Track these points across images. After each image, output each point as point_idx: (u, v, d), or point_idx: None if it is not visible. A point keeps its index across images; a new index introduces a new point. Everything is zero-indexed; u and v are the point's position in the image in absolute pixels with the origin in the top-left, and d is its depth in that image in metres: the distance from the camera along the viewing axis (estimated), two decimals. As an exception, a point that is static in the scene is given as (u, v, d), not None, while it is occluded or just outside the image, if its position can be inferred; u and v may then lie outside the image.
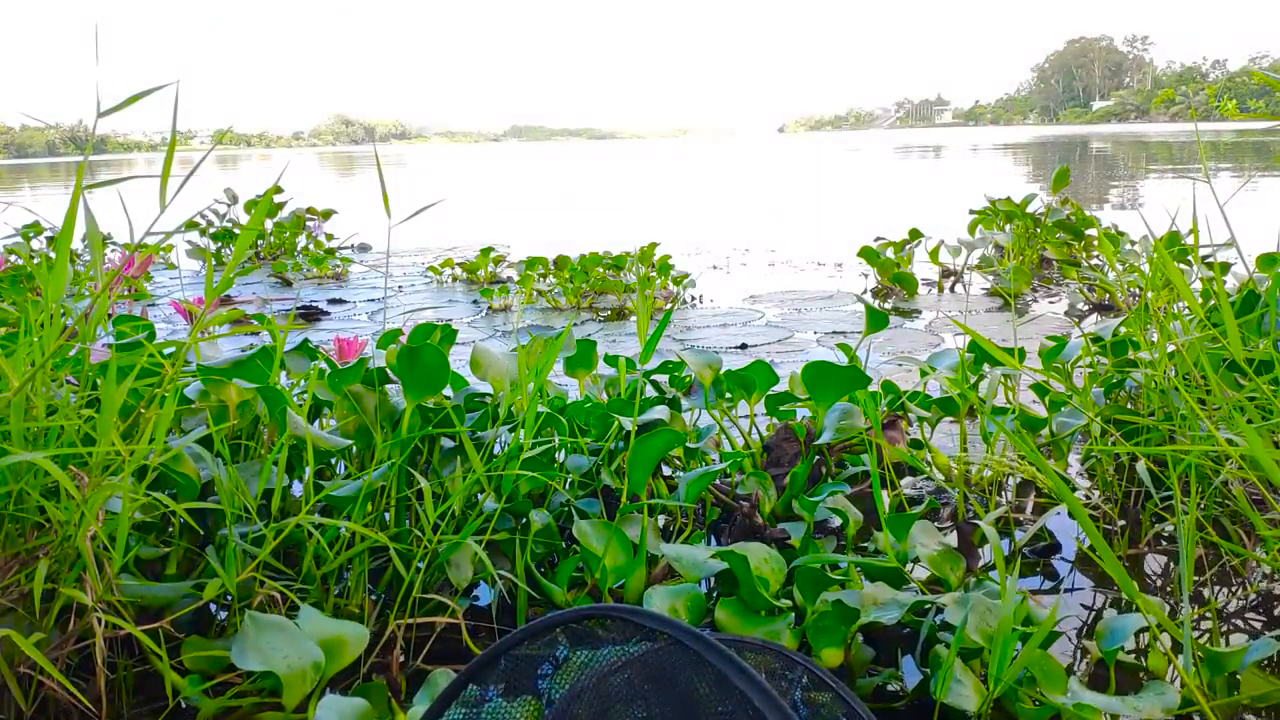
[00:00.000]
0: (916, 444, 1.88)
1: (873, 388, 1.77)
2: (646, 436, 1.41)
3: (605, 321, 3.93)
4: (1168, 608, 1.15)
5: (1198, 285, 2.46)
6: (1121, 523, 1.62)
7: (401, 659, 1.20)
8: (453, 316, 4.06)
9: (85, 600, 1.04)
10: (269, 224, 5.99)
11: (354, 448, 1.48)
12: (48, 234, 4.91)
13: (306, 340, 1.64)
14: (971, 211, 4.96)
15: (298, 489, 1.52)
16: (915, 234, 4.67)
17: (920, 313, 3.92)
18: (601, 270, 4.27)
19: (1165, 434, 1.53)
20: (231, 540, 1.13)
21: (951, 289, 4.48)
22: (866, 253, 4.44)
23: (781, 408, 1.91)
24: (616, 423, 1.61)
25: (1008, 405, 1.95)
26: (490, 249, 5.05)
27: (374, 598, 1.34)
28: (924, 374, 1.95)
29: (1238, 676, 1.08)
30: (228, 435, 1.39)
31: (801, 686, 0.79)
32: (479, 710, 0.89)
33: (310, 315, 4.13)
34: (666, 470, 1.81)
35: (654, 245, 4.48)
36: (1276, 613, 1.35)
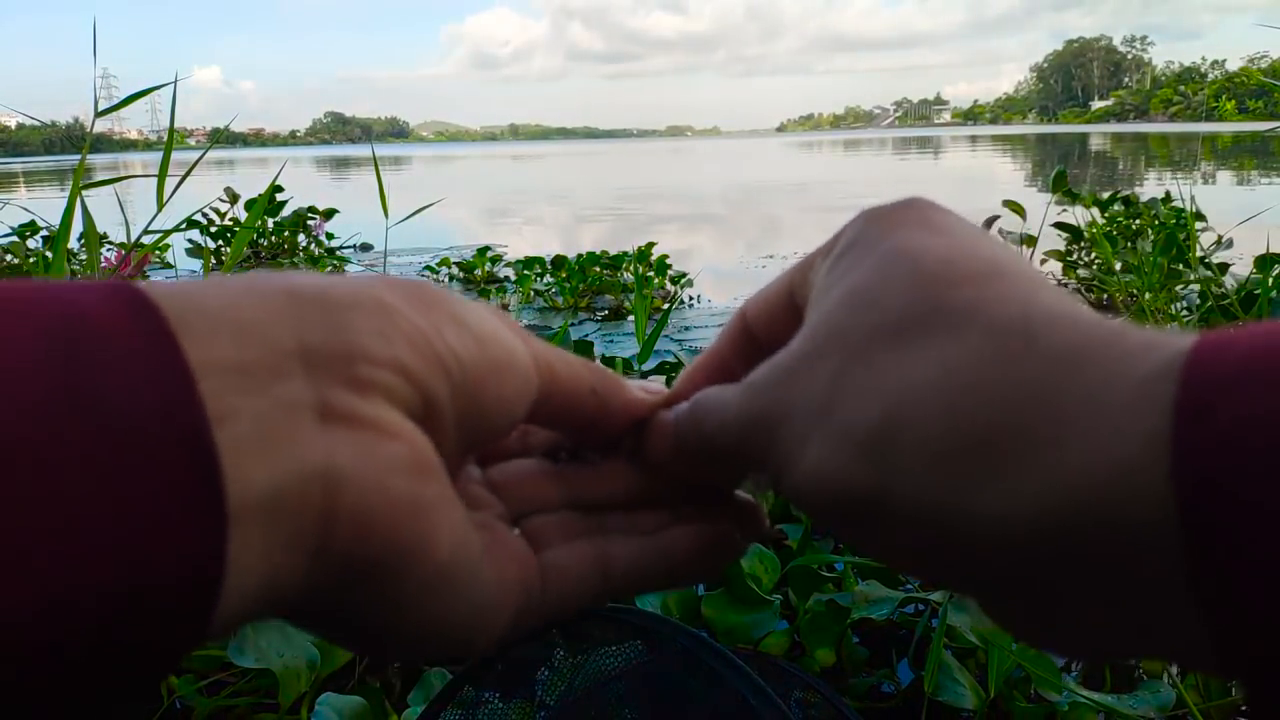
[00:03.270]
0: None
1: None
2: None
3: (603, 321, 3.93)
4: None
5: (1195, 287, 2.46)
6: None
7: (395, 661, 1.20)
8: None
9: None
10: (270, 223, 5.99)
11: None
12: (44, 233, 4.90)
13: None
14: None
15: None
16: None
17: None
18: (599, 270, 4.27)
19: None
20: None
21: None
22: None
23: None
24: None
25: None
26: (487, 248, 5.05)
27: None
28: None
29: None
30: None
31: (792, 690, 0.79)
32: (474, 712, 0.89)
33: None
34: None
35: (651, 245, 4.49)
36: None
